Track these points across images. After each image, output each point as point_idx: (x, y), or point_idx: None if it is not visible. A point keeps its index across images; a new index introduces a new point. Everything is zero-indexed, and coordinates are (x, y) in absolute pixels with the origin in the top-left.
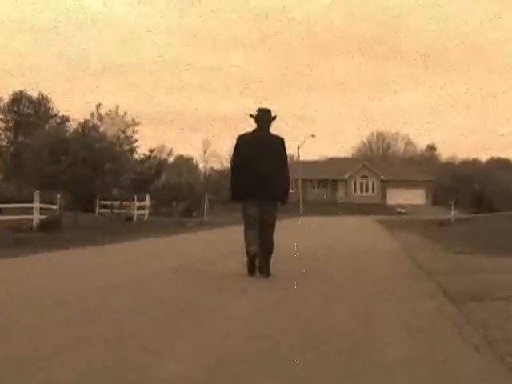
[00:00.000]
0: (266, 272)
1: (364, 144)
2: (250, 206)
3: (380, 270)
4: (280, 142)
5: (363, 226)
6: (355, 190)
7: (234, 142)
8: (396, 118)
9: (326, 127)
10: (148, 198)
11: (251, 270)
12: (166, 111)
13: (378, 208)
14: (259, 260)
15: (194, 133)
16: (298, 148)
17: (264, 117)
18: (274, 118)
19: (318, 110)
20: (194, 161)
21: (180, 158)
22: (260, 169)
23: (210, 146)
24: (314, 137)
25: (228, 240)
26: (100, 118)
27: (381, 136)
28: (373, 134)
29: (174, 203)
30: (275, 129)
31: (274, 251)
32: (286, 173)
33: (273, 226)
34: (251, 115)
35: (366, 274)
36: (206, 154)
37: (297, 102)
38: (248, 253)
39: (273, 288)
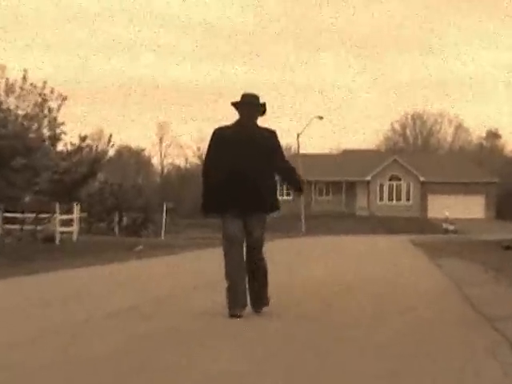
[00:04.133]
0: (263, 302)
1: (395, 130)
2: (230, 221)
3: (426, 331)
4: (270, 135)
5: (394, 250)
6: (382, 198)
7: (209, 138)
8: (442, 93)
9: (340, 106)
10: (77, 208)
11: (235, 308)
12: (105, 81)
13: (414, 223)
14: (250, 290)
15: (145, 113)
16: (298, 136)
17: (249, 104)
18: (264, 106)
19: (328, 79)
20: (146, 153)
21: (125, 149)
22: (243, 171)
23: (169, 132)
24: (321, 119)
25: (195, 271)
26: (7, 88)
27: (419, 119)
28: (407, 115)
29: (116, 216)
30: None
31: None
32: (287, 165)
33: (262, 244)
34: (233, 103)
35: (407, 338)
36: (164, 144)
37: (297, 67)
38: (229, 283)
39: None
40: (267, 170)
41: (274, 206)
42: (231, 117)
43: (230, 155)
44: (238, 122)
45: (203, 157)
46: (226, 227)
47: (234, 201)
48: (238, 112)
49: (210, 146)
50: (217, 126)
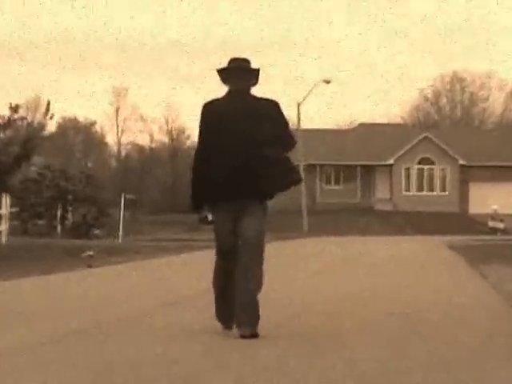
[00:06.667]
0: (249, 327)
1: (425, 98)
2: (222, 216)
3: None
4: (271, 107)
5: (425, 257)
6: (409, 187)
7: (199, 117)
8: (489, 49)
9: (353, 67)
10: (6, 200)
11: (225, 318)
12: (44, 34)
13: (452, 221)
14: (238, 308)
15: (96, 75)
16: (299, 105)
17: (241, 70)
18: (257, 72)
19: (336, 33)
20: (98, 129)
21: (70, 123)
22: (238, 152)
23: (128, 101)
24: (329, 84)
25: (161, 284)
26: None
27: (458, 81)
28: (442, 78)
29: (59, 211)
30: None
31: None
32: (289, 139)
33: (260, 247)
34: (220, 70)
35: None
36: (121, 117)
37: (297, 18)
38: (217, 291)
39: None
40: (270, 149)
41: (291, 180)
42: (210, 82)
43: (224, 135)
44: (228, 94)
45: (173, 133)
46: (218, 219)
47: (226, 189)
48: (227, 81)
49: (200, 128)
50: (205, 101)
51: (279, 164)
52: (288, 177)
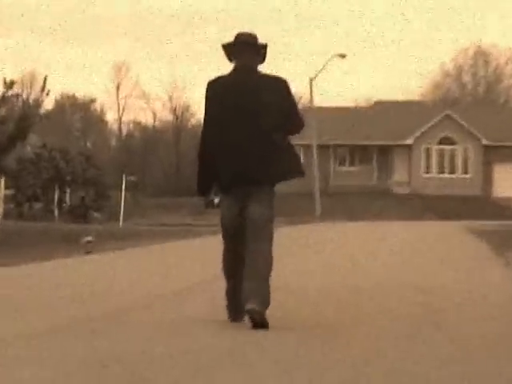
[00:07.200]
0: (259, 318)
1: (446, 74)
2: (229, 199)
3: None
4: (280, 85)
5: (447, 245)
6: (428, 169)
7: (204, 95)
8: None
9: (369, 41)
10: (0, 182)
11: (234, 310)
12: (40, 5)
13: (474, 204)
14: (246, 294)
15: (95, 50)
16: (311, 82)
17: (249, 45)
18: (265, 48)
19: (349, 4)
20: (98, 107)
21: (68, 100)
22: (243, 134)
23: (130, 77)
24: (344, 58)
25: (164, 271)
26: None
27: (482, 57)
28: (465, 52)
29: (57, 194)
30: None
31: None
32: (296, 113)
33: (268, 232)
34: (225, 45)
35: None
36: (122, 94)
37: None
38: (227, 281)
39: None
40: (277, 129)
41: (292, 171)
42: (219, 61)
43: (229, 115)
44: (236, 70)
45: (178, 111)
46: (225, 205)
47: (234, 173)
48: (233, 57)
49: (205, 107)
50: (210, 79)
51: (284, 152)
52: (291, 167)
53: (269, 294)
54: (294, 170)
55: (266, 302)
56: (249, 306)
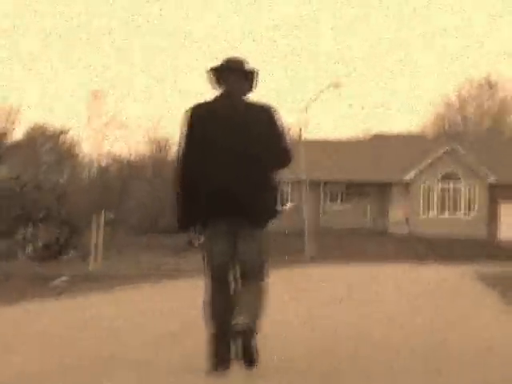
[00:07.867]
0: (249, 356)
1: (450, 106)
2: (216, 237)
3: None
4: (266, 113)
5: (451, 292)
6: (429, 208)
7: (185, 121)
8: None
9: (367, 70)
10: None
11: (221, 358)
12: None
13: (478, 247)
14: (242, 336)
15: (71, 75)
16: (303, 113)
17: (236, 71)
18: (253, 74)
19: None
20: (70, 138)
21: (39, 130)
22: (230, 164)
23: (106, 105)
24: (338, 88)
25: (144, 320)
26: None
27: (488, 87)
28: (470, 83)
29: (25, 230)
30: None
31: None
32: (282, 145)
33: (261, 272)
34: (213, 69)
35: None
36: (98, 123)
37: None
38: (216, 327)
39: None
40: (265, 158)
41: (272, 213)
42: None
43: (212, 142)
44: (220, 97)
45: (156, 144)
46: (210, 241)
47: (219, 206)
48: (220, 82)
49: (186, 131)
50: (193, 104)
51: (267, 191)
52: (272, 208)
53: (254, 346)
54: (271, 213)
55: (253, 357)
56: (237, 320)
